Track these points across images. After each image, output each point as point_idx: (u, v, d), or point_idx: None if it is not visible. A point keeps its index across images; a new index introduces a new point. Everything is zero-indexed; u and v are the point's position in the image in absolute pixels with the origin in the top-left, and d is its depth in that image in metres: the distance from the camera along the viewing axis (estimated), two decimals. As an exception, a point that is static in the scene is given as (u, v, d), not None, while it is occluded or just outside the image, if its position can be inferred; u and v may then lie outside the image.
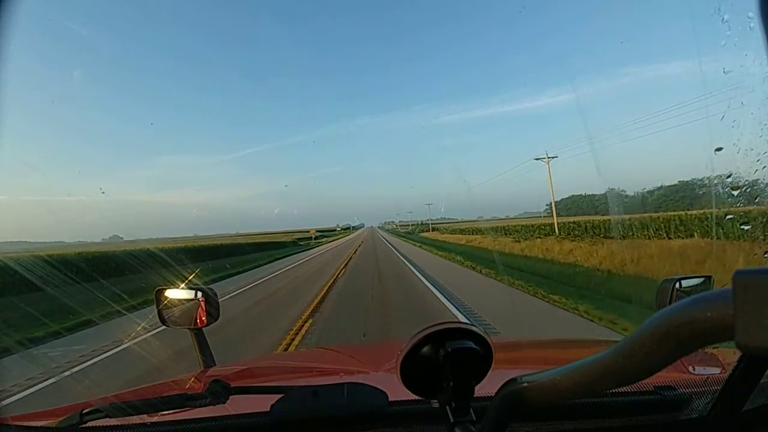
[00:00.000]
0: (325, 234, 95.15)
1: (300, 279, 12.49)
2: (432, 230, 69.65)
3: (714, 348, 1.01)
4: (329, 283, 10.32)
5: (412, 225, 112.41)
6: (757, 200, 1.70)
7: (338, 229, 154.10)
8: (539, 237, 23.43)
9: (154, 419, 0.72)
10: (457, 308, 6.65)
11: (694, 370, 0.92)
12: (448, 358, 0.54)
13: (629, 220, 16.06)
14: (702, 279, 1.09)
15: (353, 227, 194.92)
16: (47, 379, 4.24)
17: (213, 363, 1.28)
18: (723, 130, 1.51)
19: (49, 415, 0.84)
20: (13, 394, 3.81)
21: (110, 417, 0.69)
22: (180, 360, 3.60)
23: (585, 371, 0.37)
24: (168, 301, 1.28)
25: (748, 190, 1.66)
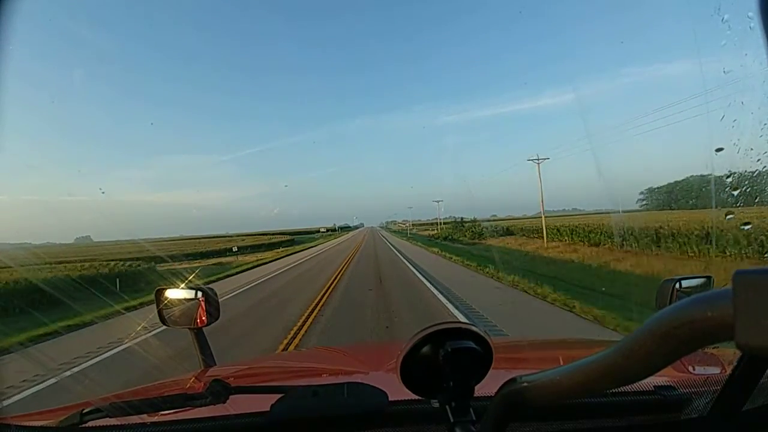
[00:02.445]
0: (297, 239, 63.86)
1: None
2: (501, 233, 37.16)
3: (714, 348, 1.01)
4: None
5: (446, 223, 61.97)
6: (757, 200, 1.70)
7: (322, 230, 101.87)
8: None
9: (154, 419, 0.72)
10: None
11: (694, 370, 0.92)
12: (448, 358, 0.54)
13: None
14: (702, 279, 1.10)
15: (340, 228, 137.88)
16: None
17: (213, 363, 1.28)
18: (723, 130, 1.51)
19: (49, 414, 0.84)
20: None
21: (110, 417, 0.69)
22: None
23: (585, 371, 0.37)
24: (168, 301, 1.28)
25: (748, 190, 1.66)
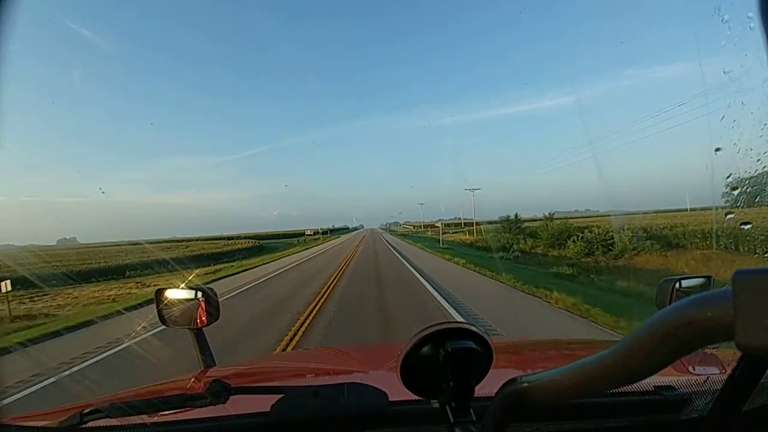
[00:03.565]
0: (274, 245, 48.40)
1: None
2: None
3: (714, 348, 1.01)
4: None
5: (478, 224, 42.52)
6: (757, 200, 1.70)
7: (308, 233, 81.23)
8: None
9: (154, 419, 0.72)
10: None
11: (694, 370, 0.92)
12: (448, 358, 0.54)
13: None
14: (702, 279, 1.10)
15: (330, 231, 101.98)
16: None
17: (213, 363, 1.28)
18: (723, 130, 1.51)
19: (49, 415, 0.84)
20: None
21: (110, 417, 0.69)
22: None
23: (585, 371, 0.37)
24: (168, 301, 1.28)
25: (748, 190, 1.66)
